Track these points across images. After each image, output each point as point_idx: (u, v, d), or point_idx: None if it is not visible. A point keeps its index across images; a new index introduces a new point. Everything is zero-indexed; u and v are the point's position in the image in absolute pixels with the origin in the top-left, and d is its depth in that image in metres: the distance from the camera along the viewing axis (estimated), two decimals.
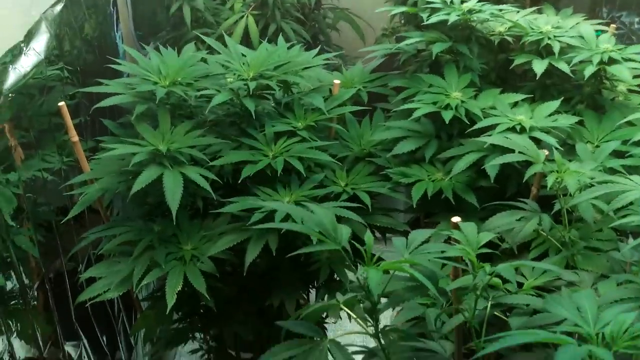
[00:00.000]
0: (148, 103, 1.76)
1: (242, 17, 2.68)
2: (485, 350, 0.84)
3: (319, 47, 2.21)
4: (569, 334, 0.89)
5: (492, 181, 1.60)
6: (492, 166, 1.57)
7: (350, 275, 1.50)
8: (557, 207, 1.53)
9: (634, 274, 1.36)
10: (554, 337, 0.80)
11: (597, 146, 1.80)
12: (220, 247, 1.54)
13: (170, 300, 1.49)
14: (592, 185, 1.28)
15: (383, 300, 1.18)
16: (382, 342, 1.09)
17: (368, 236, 1.09)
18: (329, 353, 1.03)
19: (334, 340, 1.06)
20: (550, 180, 1.36)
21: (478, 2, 1.93)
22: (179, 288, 1.51)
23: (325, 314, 1.77)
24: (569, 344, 0.79)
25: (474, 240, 1.16)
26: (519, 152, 1.44)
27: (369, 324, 1.09)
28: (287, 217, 1.43)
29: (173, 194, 1.53)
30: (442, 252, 1.08)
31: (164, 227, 1.64)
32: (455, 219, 1.32)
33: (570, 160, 1.72)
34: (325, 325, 1.90)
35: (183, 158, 1.61)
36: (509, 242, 1.41)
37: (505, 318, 1.23)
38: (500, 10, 1.93)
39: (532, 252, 1.51)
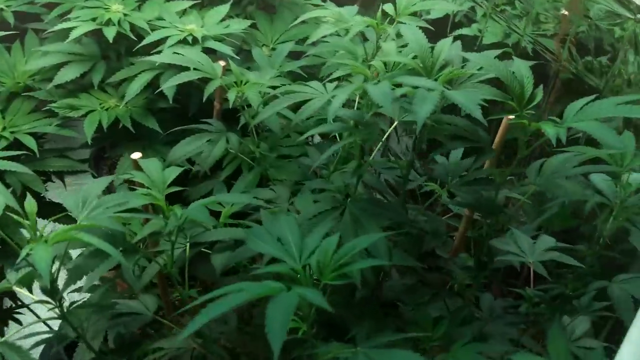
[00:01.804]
0: None
1: None
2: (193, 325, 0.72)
3: None
4: (277, 276, 0.82)
5: (170, 102, 1.46)
6: (168, 88, 1.43)
7: None
8: (243, 120, 1.46)
9: (325, 180, 1.36)
10: (263, 290, 0.72)
11: (273, 49, 1.75)
12: None
13: None
14: (276, 97, 1.21)
15: None
16: (72, 322, 0.93)
17: (29, 204, 0.89)
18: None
19: (5, 341, 0.87)
20: (231, 96, 1.26)
21: None
22: None
23: None
24: (279, 294, 0.71)
25: (159, 179, 1.03)
26: (194, 69, 1.30)
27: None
28: None
29: None
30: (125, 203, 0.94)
31: None
32: (135, 156, 1.16)
33: (249, 68, 1.66)
34: None
35: None
36: (201, 167, 1.30)
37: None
38: None
39: (224, 171, 1.43)
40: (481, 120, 0.88)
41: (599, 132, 0.89)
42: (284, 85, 1.40)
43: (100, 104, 1.55)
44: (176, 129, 1.42)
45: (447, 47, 1.04)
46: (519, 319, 1.24)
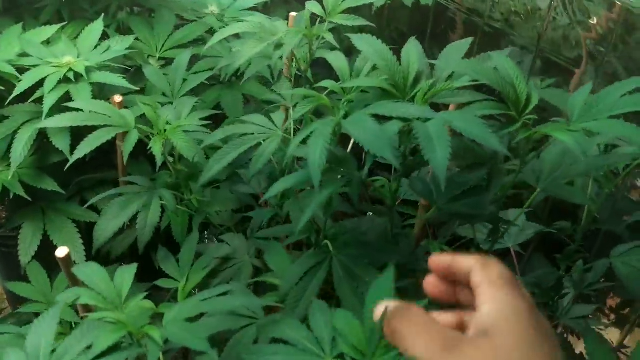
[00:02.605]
0: None
1: None
2: None
3: None
4: None
5: (69, 158, 1.21)
6: (63, 145, 1.19)
7: None
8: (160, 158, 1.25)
9: (274, 210, 1.19)
10: None
11: (162, 58, 1.52)
12: None
13: None
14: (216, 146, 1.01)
15: None
16: None
17: None
18: None
19: None
20: (156, 149, 1.04)
21: None
22: None
23: None
24: None
25: (111, 292, 0.82)
26: (107, 126, 1.05)
27: None
28: None
29: None
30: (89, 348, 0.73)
31: None
32: (62, 253, 0.93)
33: (142, 90, 1.42)
34: None
35: None
36: (139, 243, 1.08)
37: None
38: None
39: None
40: (501, 152, 0.75)
41: (624, 132, 0.78)
42: (205, 114, 1.20)
43: None
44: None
45: (416, 56, 0.89)
46: None
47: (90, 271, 0.84)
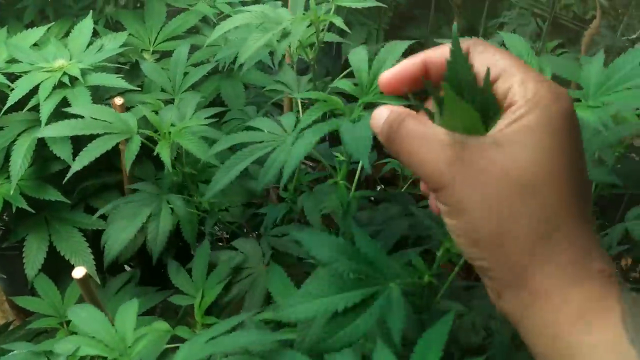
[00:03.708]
0: None
1: None
2: None
3: None
4: None
5: (72, 165, 1.16)
6: (64, 152, 1.15)
7: None
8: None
9: (288, 205, 1.16)
10: None
11: (155, 52, 1.47)
12: None
13: None
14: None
15: None
16: None
17: None
18: None
19: None
20: (164, 155, 0.99)
21: None
22: None
23: None
24: None
25: (112, 339, 0.77)
26: (108, 133, 1.00)
27: None
28: None
29: None
30: None
31: None
32: (78, 273, 0.90)
33: (140, 86, 1.38)
34: None
35: None
36: (153, 253, 1.04)
37: None
38: None
39: None
40: None
41: None
42: (210, 112, 1.15)
43: None
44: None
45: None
46: None
47: (86, 315, 0.80)
